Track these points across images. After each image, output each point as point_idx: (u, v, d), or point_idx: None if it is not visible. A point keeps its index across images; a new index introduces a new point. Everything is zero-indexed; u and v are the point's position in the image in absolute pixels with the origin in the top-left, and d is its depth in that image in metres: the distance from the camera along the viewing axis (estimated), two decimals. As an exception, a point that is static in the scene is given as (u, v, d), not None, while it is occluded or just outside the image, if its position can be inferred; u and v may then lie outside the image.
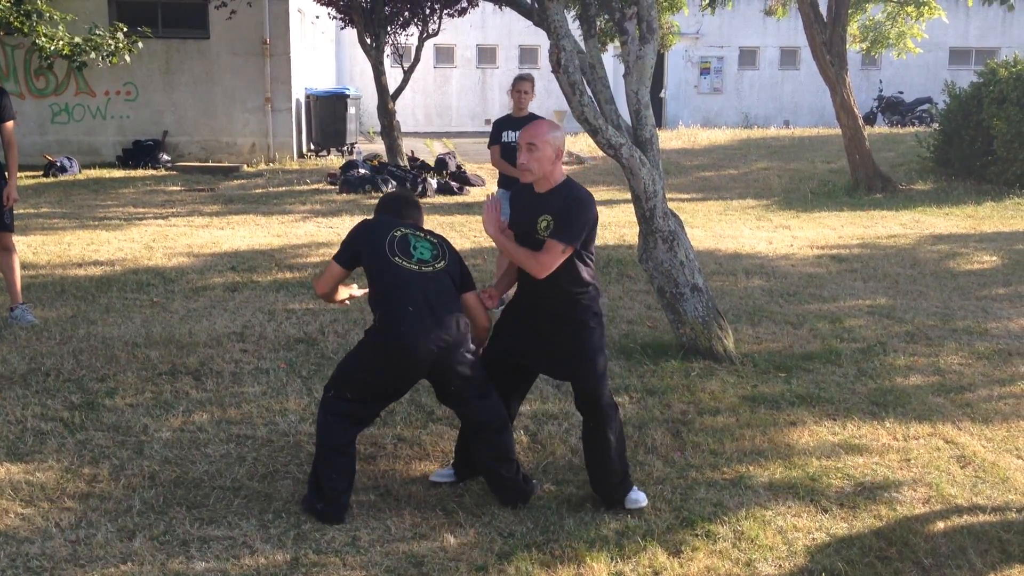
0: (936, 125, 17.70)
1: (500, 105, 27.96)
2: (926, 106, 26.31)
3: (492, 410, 4.11)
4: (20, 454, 4.58)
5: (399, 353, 3.93)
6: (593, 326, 4.09)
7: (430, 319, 3.94)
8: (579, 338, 4.06)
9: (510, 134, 7.45)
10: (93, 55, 13.27)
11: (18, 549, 3.70)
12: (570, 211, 3.99)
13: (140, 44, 14.11)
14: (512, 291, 4.39)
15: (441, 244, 4.24)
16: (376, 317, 4.05)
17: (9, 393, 5.39)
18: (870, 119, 25.65)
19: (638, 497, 4.15)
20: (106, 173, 16.63)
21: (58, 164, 16.26)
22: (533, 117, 7.56)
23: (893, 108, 27.18)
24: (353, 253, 4.17)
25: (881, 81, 29.12)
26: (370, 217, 4.41)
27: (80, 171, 16.53)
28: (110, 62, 13.74)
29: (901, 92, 28.18)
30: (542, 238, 4.00)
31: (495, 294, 4.31)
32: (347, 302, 4.60)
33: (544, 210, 4.04)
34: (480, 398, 4.09)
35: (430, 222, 11.63)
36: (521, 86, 7.48)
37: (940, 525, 4.03)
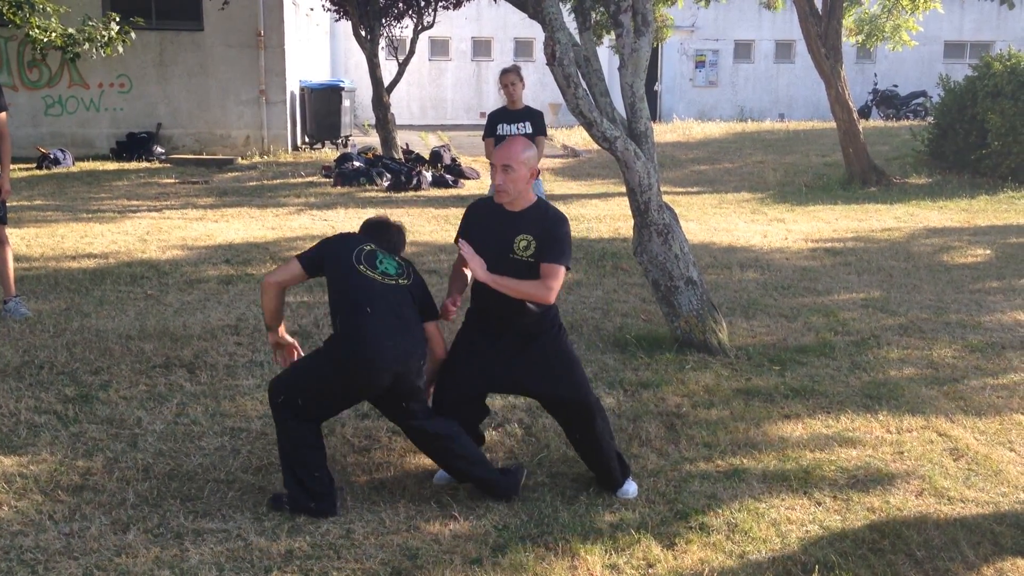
0: (931, 119, 17.72)
1: (495, 98, 27.87)
2: (921, 100, 26.37)
3: (441, 422, 4.09)
4: (14, 447, 4.58)
5: (363, 362, 3.85)
6: (560, 335, 4.12)
7: (392, 325, 3.90)
8: (554, 349, 4.07)
9: (505, 127, 7.43)
10: (87, 46, 13.22)
11: (11, 542, 3.70)
12: (558, 232, 4.00)
13: (133, 35, 14.06)
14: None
15: (408, 267, 4.19)
16: (337, 326, 3.98)
17: (3, 386, 5.37)
18: (865, 113, 25.68)
19: (628, 488, 4.18)
20: (100, 165, 16.58)
21: (51, 156, 16.20)
22: (529, 109, 7.55)
23: (888, 102, 27.22)
24: (318, 258, 4.10)
25: (876, 74, 29.16)
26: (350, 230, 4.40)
27: (74, 163, 16.48)
28: (104, 53, 13.69)
29: (896, 86, 28.22)
30: (521, 258, 3.96)
31: (458, 299, 4.22)
32: (282, 339, 4.30)
33: (522, 230, 4.00)
34: (429, 416, 4.08)
35: (425, 214, 11.69)
36: (507, 79, 7.46)
37: (933, 517, 4.04)
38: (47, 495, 4.10)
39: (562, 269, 3.97)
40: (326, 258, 4.09)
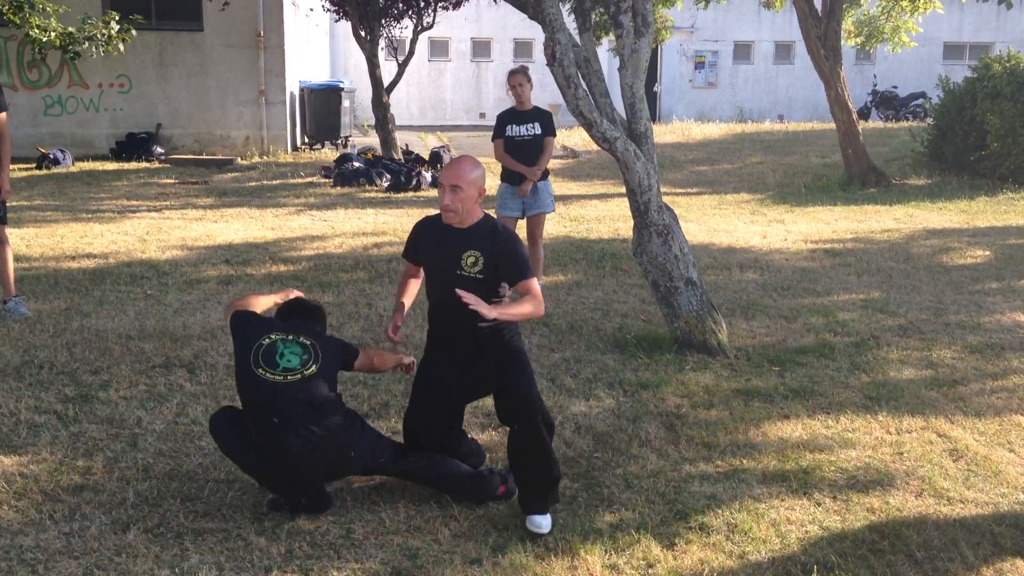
0: (930, 120, 17.73)
1: (495, 99, 27.93)
2: (920, 101, 26.38)
3: (416, 460, 4.06)
4: (14, 447, 4.58)
5: (285, 474, 3.81)
6: (514, 336, 4.09)
7: (306, 424, 3.76)
8: (507, 344, 4.04)
9: (514, 128, 7.41)
10: (87, 44, 13.23)
11: (12, 541, 3.70)
12: (515, 250, 3.97)
13: (133, 32, 14.06)
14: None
15: (314, 346, 3.94)
16: (251, 432, 3.87)
17: (3, 386, 5.38)
18: (864, 114, 25.70)
19: (543, 521, 3.87)
20: (99, 166, 16.59)
21: (51, 156, 16.21)
22: (538, 110, 7.54)
23: (887, 103, 27.24)
24: (233, 328, 4.09)
25: (875, 76, 29.18)
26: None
27: (73, 164, 16.49)
28: (104, 51, 13.69)
29: (895, 87, 28.23)
30: (469, 274, 3.92)
31: (398, 325, 4.20)
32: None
33: (470, 246, 3.95)
34: (397, 460, 4.04)
35: (424, 215, 11.64)
36: (515, 80, 7.44)
37: (933, 518, 4.05)
38: (47, 495, 4.10)
39: (535, 280, 4.00)
40: (236, 339, 4.03)
